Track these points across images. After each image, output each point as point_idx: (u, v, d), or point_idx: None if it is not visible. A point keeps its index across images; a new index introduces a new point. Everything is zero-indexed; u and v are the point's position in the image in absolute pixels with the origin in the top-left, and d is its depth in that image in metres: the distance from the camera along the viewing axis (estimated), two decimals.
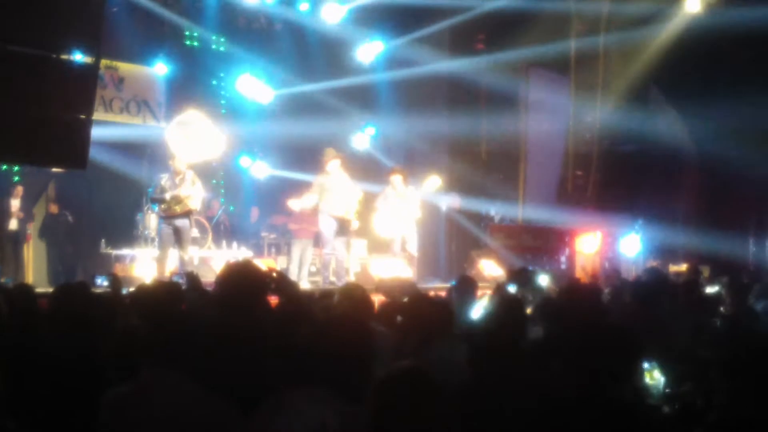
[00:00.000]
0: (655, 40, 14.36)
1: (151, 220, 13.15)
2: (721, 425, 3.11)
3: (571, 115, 15.06)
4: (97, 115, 11.96)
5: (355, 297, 5.43)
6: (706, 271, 10.98)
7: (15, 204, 13.49)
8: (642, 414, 3.37)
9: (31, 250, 14.02)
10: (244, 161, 16.43)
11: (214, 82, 16.35)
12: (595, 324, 4.45)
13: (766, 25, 13.11)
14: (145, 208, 13.23)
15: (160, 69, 15.35)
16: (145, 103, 15.52)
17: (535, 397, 3.52)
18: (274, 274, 5.05)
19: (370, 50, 16.19)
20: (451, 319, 5.20)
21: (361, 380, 3.09)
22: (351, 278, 13.51)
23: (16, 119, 9.46)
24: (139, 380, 3.36)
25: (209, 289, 6.17)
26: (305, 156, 13.61)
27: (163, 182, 11.23)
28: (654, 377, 4.05)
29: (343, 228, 12.17)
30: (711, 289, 8.30)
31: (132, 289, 6.03)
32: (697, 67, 14.40)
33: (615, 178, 15.10)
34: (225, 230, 15.28)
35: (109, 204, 14.77)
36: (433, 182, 12.59)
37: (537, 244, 16.10)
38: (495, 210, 16.85)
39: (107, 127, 13.79)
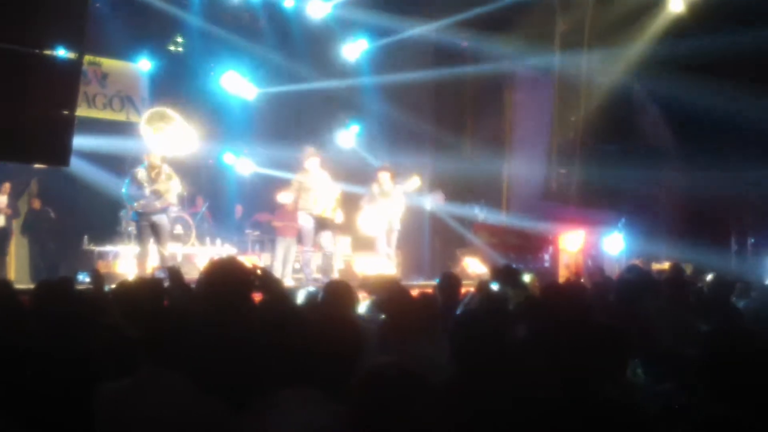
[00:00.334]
0: (639, 40, 14.40)
1: (131, 215, 13.10)
2: (703, 424, 3.12)
3: (555, 114, 15.08)
4: (80, 111, 11.89)
5: (340, 293, 5.43)
6: (688, 269, 11.02)
7: (2, 201, 13.44)
8: (625, 412, 3.38)
9: (13, 247, 13.96)
10: (228, 158, 16.38)
11: (199, 79, 16.29)
12: (578, 322, 4.47)
13: (751, 26, 13.18)
14: (129, 206, 13.16)
15: (144, 65, 15.31)
16: (128, 99, 15.48)
17: (518, 394, 3.52)
18: (258, 271, 5.04)
19: (355, 48, 16.19)
20: (435, 316, 5.21)
21: (350, 378, 3.08)
22: (335, 275, 13.54)
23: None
24: (133, 377, 3.35)
25: (192, 285, 6.16)
26: (290, 153, 13.59)
27: (139, 177, 11.10)
28: (636, 375, 4.06)
29: (323, 225, 12.14)
30: (693, 287, 8.33)
31: (114, 285, 6.00)
32: (681, 66, 14.44)
33: (598, 177, 15.12)
34: (208, 227, 15.24)
35: (91, 200, 14.70)
36: (413, 183, 12.57)
37: (521, 242, 16.13)
38: (479, 208, 16.88)
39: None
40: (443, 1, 14.46)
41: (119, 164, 14.50)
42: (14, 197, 13.75)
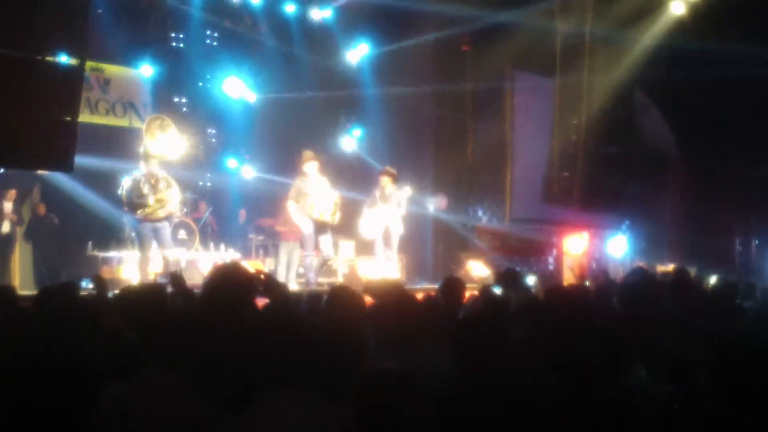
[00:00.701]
0: (640, 41, 14.41)
1: (131, 222, 13.10)
2: (705, 426, 3.12)
3: (556, 117, 15.09)
4: (82, 117, 11.92)
5: (345, 299, 5.43)
6: (692, 271, 11.01)
7: (8, 207, 13.46)
8: (626, 414, 3.38)
9: (17, 253, 13.97)
10: (231, 163, 16.40)
11: (200, 84, 16.31)
12: (581, 324, 4.46)
13: (751, 27, 13.18)
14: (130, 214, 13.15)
15: (145, 71, 15.31)
16: (131, 104, 15.48)
17: (520, 397, 3.52)
18: (262, 276, 5.05)
19: (356, 52, 16.21)
20: (437, 320, 5.21)
21: (349, 382, 3.08)
22: (339, 279, 13.55)
23: (1, 121, 9.42)
24: (136, 381, 3.36)
25: (195, 290, 6.16)
26: (292, 158, 13.58)
27: (141, 185, 11.03)
28: (639, 377, 4.06)
29: (322, 229, 12.13)
30: (698, 289, 8.32)
31: (117, 291, 6.00)
32: (682, 68, 14.44)
33: (601, 179, 15.13)
34: (212, 232, 15.25)
35: (95, 206, 14.71)
36: (405, 192, 12.52)
37: (524, 245, 16.15)
38: (482, 211, 16.89)
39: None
40: (444, 5, 14.45)
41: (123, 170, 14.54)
42: (18, 203, 13.78)
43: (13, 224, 13.58)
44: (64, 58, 10.00)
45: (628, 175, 16.15)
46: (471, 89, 16.69)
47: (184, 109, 15.54)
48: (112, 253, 13.25)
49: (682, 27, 13.80)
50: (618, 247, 16.46)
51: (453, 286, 6.90)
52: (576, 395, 3.46)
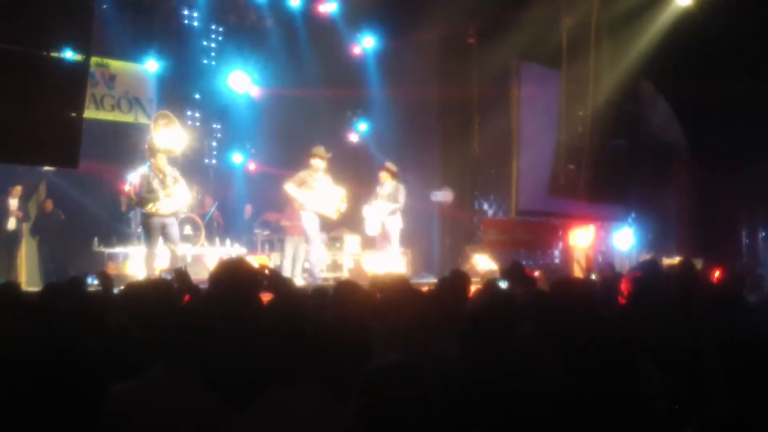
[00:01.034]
0: (647, 33, 14.34)
1: (141, 217, 13.11)
2: (715, 420, 3.10)
3: (563, 109, 15.02)
4: (88, 113, 11.95)
5: (350, 293, 5.42)
6: (699, 264, 10.98)
7: (13, 203, 13.49)
8: (634, 407, 3.36)
9: (23, 249, 14.00)
10: (236, 158, 16.40)
11: (206, 79, 16.30)
12: (587, 318, 4.45)
13: (758, 18, 13.12)
14: (132, 206, 13.18)
15: (151, 66, 15.31)
16: (136, 100, 15.49)
17: (527, 391, 3.51)
18: (267, 271, 5.04)
19: (362, 46, 16.20)
20: (443, 314, 5.20)
21: (356, 378, 3.07)
22: (344, 274, 13.55)
23: (6, 117, 9.42)
24: (142, 377, 3.35)
25: (201, 286, 6.15)
26: (298, 152, 13.58)
27: (152, 182, 11.06)
28: (647, 371, 4.04)
29: (324, 225, 12.24)
30: (704, 282, 8.29)
31: (122, 287, 6.00)
32: (689, 60, 14.38)
33: (607, 172, 15.07)
34: (218, 227, 15.26)
35: (101, 202, 14.74)
36: (386, 187, 12.54)
37: (530, 238, 16.11)
38: (488, 205, 16.87)
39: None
40: None
41: (129, 165, 14.58)
42: (24, 200, 13.80)
43: (19, 221, 13.61)
44: (69, 54, 9.99)
45: (635, 168, 16.11)
46: (477, 82, 16.65)
47: (190, 103, 15.53)
48: (117, 249, 13.28)
49: (689, 18, 13.74)
50: (624, 240, 16.42)
51: (459, 280, 6.88)
52: (583, 388, 3.44)
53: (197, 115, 15.59)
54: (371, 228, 12.70)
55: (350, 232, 14.20)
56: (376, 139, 16.94)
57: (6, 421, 3.25)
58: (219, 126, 16.49)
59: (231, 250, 13.84)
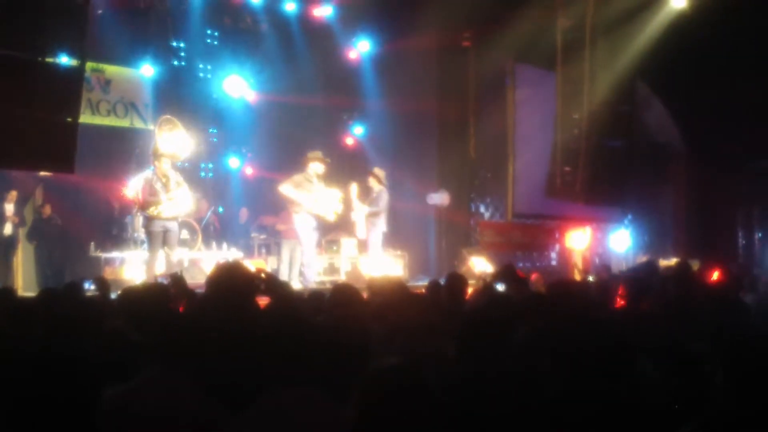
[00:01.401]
0: (641, 34, 14.37)
1: (140, 222, 13.11)
2: (713, 420, 3.10)
3: (558, 111, 15.04)
4: (84, 118, 11.93)
5: (347, 296, 5.42)
6: (696, 265, 11.00)
7: (9, 208, 13.47)
8: (632, 408, 3.36)
9: (19, 254, 13.97)
10: (233, 162, 16.39)
11: (202, 83, 16.29)
12: (584, 320, 4.45)
13: (753, 19, 13.15)
14: (134, 211, 13.19)
15: (146, 71, 15.29)
16: (132, 105, 15.46)
17: (523, 393, 3.50)
18: (263, 275, 5.03)
19: (357, 49, 16.21)
20: (441, 316, 5.19)
21: (354, 380, 3.06)
22: (341, 277, 13.56)
23: (1, 122, 9.42)
24: (136, 381, 3.34)
25: (198, 290, 6.15)
26: (294, 155, 13.59)
27: (153, 184, 11.09)
28: (644, 372, 4.04)
29: (321, 228, 12.30)
30: (700, 283, 8.30)
31: (119, 291, 5.99)
32: (684, 61, 14.41)
33: (604, 173, 15.09)
34: (214, 231, 15.24)
35: (97, 207, 14.72)
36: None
37: (527, 240, 16.13)
38: (484, 207, 16.88)
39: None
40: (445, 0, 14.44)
41: (124, 169, 14.57)
42: (20, 205, 13.78)
43: (15, 226, 13.58)
44: (64, 59, 9.99)
45: (631, 169, 16.13)
46: (472, 84, 16.66)
47: (186, 108, 15.50)
48: (114, 254, 13.26)
49: (683, 19, 13.77)
50: (621, 242, 16.44)
51: (456, 282, 6.89)
52: (581, 390, 3.44)
53: (193, 119, 15.55)
54: (360, 231, 12.82)
55: (347, 235, 14.20)
56: (372, 143, 16.94)
57: (1, 425, 3.24)
58: (215, 130, 16.47)
59: (228, 254, 13.83)
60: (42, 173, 13.51)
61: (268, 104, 16.17)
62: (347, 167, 15.29)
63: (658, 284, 7.33)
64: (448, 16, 14.97)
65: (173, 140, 12.16)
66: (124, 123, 15.36)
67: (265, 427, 3.07)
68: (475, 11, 14.61)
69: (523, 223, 16.37)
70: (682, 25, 13.78)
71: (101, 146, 14.50)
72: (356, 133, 17.21)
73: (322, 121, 16.51)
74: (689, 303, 6.68)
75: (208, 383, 3.33)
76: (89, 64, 12.47)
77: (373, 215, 12.55)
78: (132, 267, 12.56)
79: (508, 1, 14.27)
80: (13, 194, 13.55)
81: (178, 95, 15.65)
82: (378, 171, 12.84)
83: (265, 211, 15.47)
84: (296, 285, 11.89)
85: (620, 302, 6.82)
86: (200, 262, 13.46)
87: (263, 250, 15.00)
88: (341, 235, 14.24)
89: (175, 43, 15.92)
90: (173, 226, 11.29)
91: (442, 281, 6.99)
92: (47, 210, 14.25)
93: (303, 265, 12.36)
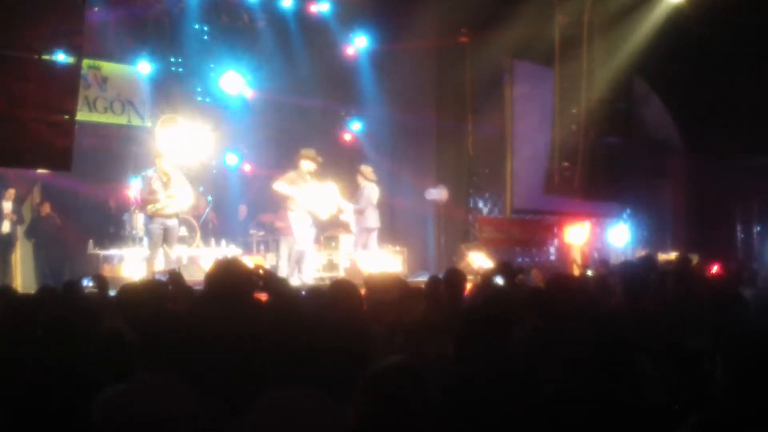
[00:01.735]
0: (639, 31, 14.37)
1: (138, 219, 13.11)
2: (713, 417, 3.09)
3: (556, 107, 15.04)
4: (81, 116, 11.91)
5: (346, 293, 5.40)
6: (695, 259, 11.00)
7: (7, 206, 13.46)
8: (631, 405, 3.36)
9: (18, 253, 13.96)
10: (230, 159, 16.37)
11: (199, 80, 16.25)
12: (584, 316, 4.44)
13: (750, 14, 13.14)
14: (132, 209, 13.20)
15: (143, 68, 15.26)
16: (129, 102, 15.43)
17: (522, 393, 3.49)
18: (262, 272, 5.03)
19: (355, 45, 16.19)
20: (440, 313, 5.18)
21: (353, 379, 3.05)
22: (340, 273, 13.55)
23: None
24: (131, 382, 3.33)
25: (196, 287, 6.13)
26: (292, 152, 13.59)
27: (153, 182, 11.13)
28: (643, 369, 4.03)
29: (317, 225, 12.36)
30: (700, 278, 8.30)
31: (117, 289, 5.98)
32: (682, 57, 14.41)
33: (602, 169, 15.09)
34: (213, 228, 15.23)
35: (95, 204, 14.71)
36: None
37: (525, 236, 16.13)
38: (483, 202, 16.87)
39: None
40: None
41: (122, 167, 14.57)
42: (18, 203, 13.77)
43: (13, 224, 13.58)
44: (60, 57, 9.96)
45: (629, 165, 16.13)
46: (470, 80, 16.64)
47: (183, 105, 15.46)
48: (113, 251, 13.25)
49: (681, 15, 13.77)
50: (620, 237, 16.44)
51: (455, 278, 6.88)
52: (580, 386, 3.43)
53: (190, 116, 15.51)
54: (353, 228, 12.97)
55: (345, 231, 14.20)
56: (370, 139, 16.93)
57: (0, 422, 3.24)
58: (213, 127, 16.43)
59: (226, 251, 13.82)
60: (40, 171, 13.49)
61: (265, 101, 16.14)
62: (345, 163, 15.27)
63: (657, 279, 7.33)
64: (445, 12, 14.96)
65: (174, 138, 12.17)
66: (121, 120, 15.33)
67: (264, 428, 3.06)
68: (473, 7, 14.61)
69: (522, 219, 16.37)
70: (679, 21, 13.78)
71: (99, 144, 14.47)
72: (354, 129, 17.19)
73: (319, 117, 16.50)
74: (688, 299, 6.68)
75: (206, 383, 3.31)
76: (86, 62, 12.44)
77: (357, 212, 12.65)
78: (130, 264, 12.56)
79: None
80: (11, 192, 13.55)
81: (175, 93, 15.62)
82: (364, 168, 12.97)
83: (263, 209, 15.46)
84: (295, 282, 11.89)
85: (619, 298, 6.82)
86: (199, 259, 13.45)
87: (262, 247, 14.99)
88: (340, 232, 14.25)
89: (171, 41, 15.87)
90: (173, 223, 11.35)
91: (441, 277, 6.98)
92: (45, 208, 14.24)
93: (301, 262, 12.38)
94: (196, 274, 11.32)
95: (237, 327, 3.84)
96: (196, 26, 15.62)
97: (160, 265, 11.43)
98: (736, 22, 13.36)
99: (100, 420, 3.20)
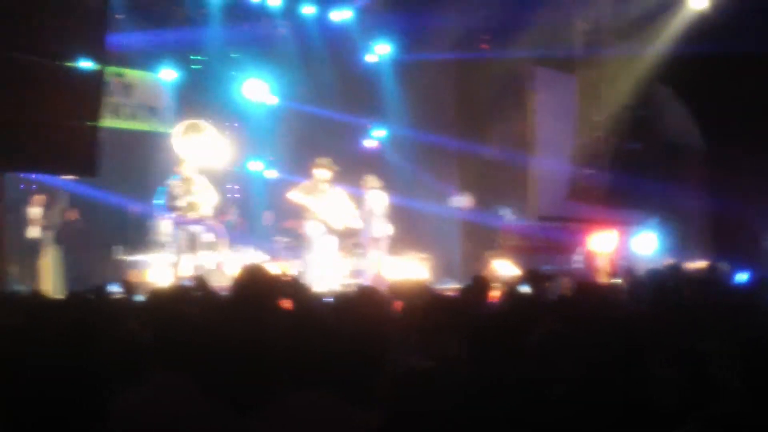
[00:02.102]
0: (661, 37, 14.30)
1: (163, 225, 13.18)
2: (727, 424, 3.06)
3: (579, 114, 15.00)
4: (105, 122, 11.99)
5: (371, 300, 5.39)
6: (723, 267, 10.91)
7: (35, 212, 13.57)
8: (648, 411, 3.34)
9: (46, 258, 14.06)
10: (254, 165, 16.43)
11: (222, 87, 16.34)
12: (604, 322, 4.42)
13: None
14: (157, 215, 13.28)
15: (167, 75, 15.36)
16: (153, 109, 15.53)
17: (545, 395, 3.48)
18: (286, 278, 5.04)
19: (376, 53, 16.22)
20: (464, 320, 5.16)
21: (375, 384, 3.05)
22: (365, 281, 13.53)
23: (26, 127, 9.50)
24: (148, 386, 3.33)
25: (221, 293, 6.14)
26: (316, 158, 13.62)
27: (175, 189, 11.23)
28: (663, 375, 4.00)
29: (331, 233, 12.33)
30: (726, 285, 8.23)
31: (144, 294, 6.01)
32: (705, 62, 14.32)
33: (625, 176, 15.02)
34: (239, 234, 15.28)
35: (122, 210, 14.81)
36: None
37: (550, 244, 16.04)
38: (506, 210, 16.80)
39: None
40: (464, 1, 14.42)
41: (146, 174, 14.65)
42: (46, 209, 13.88)
43: (42, 230, 13.68)
44: (85, 64, 10.06)
45: (653, 171, 16.03)
46: (492, 87, 16.61)
47: (206, 112, 15.55)
48: (138, 257, 13.33)
49: (703, 19, 13.69)
50: (646, 245, 16.31)
51: (480, 285, 6.87)
52: (599, 392, 3.42)
53: (213, 123, 15.60)
54: None
55: (356, 239, 14.22)
56: (393, 146, 16.93)
57: (17, 426, 3.26)
58: (236, 134, 16.50)
59: (252, 257, 13.86)
60: (66, 177, 13.59)
61: (288, 108, 16.20)
62: (367, 170, 15.27)
63: (684, 287, 7.28)
64: (466, 19, 14.95)
65: (197, 144, 12.26)
66: (145, 127, 15.45)
67: (280, 430, 3.06)
68: (494, 15, 14.60)
69: (546, 227, 16.30)
70: (702, 26, 13.70)
71: (123, 150, 14.56)
72: (377, 136, 17.20)
73: (342, 124, 16.52)
74: (715, 306, 6.63)
75: (224, 387, 3.32)
76: (110, 69, 12.54)
77: (363, 219, 12.73)
78: (156, 270, 12.64)
79: (527, 3, 14.23)
80: (40, 198, 13.67)
81: (199, 99, 15.72)
82: (367, 177, 12.97)
83: (289, 215, 15.49)
84: (320, 288, 11.91)
85: (644, 304, 6.77)
86: (225, 266, 13.49)
87: (287, 254, 15.01)
88: (353, 240, 14.27)
89: (194, 48, 15.97)
90: (198, 229, 11.41)
91: (468, 284, 6.97)
92: (72, 214, 14.34)
93: (320, 270, 12.41)
94: (222, 280, 11.36)
95: (258, 332, 3.85)
96: (219, 33, 15.70)
97: (186, 271, 11.49)
98: (760, 27, 13.25)
99: (119, 423, 3.21)
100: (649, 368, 3.71)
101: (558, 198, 15.31)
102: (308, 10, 15.57)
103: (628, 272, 11.79)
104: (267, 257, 14.05)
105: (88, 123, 10.15)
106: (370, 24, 16.05)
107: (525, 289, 7.01)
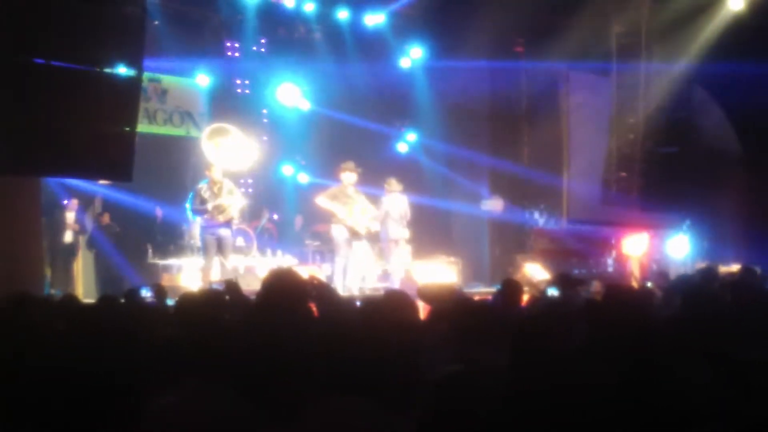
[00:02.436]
0: (698, 39, 14.16)
1: (196, 229, 13.29)
2: (759, 427, 3.04)
3: (613, 116, 14.89)
4: (141, 127, 12.16)
5: (399, 304, 5.40)
6: (758, 270, 10.78)
7: (70, 217, 13.75)
8: (685, 417, 3.31)
9: (80, 262, 14.24)
10: (286, 170, 16.51)
11: (256, 92, 16.45)
12: (639, 326, 4.39)
13: None
14: (189, 219, 13.40)
15: (202, 80, 15.50)
16: (188, 114, 15.68)
17: (577, 399, 3.47)
18: (316, 282, 5.06)
19: (410, 57, 16.24)
20: (495, 323, 5.16)
21: (406, 389, 3.06)
22: (395, 284, 13.55)
23: (62, 133, 9.64)
24: (181, 391, 3.36)
25: (252, 297, 6.18)
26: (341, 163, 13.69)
27: (202, 193, 11.35)
28: (699, 380, 3.97)
29: (357, 236, 12.37)
30: (761, 289, 8.12)
31: (176, 298, 6.07)
32: (742, 65, 14.16)
33: (660, 180, 14.89)
34: (270, 238, 15.37)
35: (155, 214, 14.94)
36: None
37: (582, 247, 15.95)
38: (538, 213, 16.74)
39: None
40: (498, 5, 14.38)
41: (181, 177, 14.79)
42: (80, 213, 14.06)
43: (76, 234, 13.87)
44: (122, 70, 10.18)
45: (688, 175, 15.88)
46: (526, 90, 16.57)
47: (240, 116, 15.67)
48: (171, 261, 13.45)
49: (740, 22, 13.54)
50: (679, 248, 16.16)
51: (511, 289, 6.85)
52: (634, 397, 3.40)
53: (247, 127, 15.71)
54: None
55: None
56: (425, 149, 16.94)
57: (55, 429, 3.30)
58: (269, 138, 16.60)
59: (282, 261, 13.93)
60: (101, 182, 13.76)
61: (321, 112, 16.27)
62: (399, 174, 15.30)
63: (718, 291, 7.20)
64: (501, 22, 14.91)
65: (225, 148, 12.35)
66: (180, 132, 15.60)
67: None
68: (528, 17, 14.54)
69: (578, 230, 16.21)
70: (739, 29, 13.56)
71: (158, 155, 14.71)
72: (409, 140, 17.21)
73: (374, 128, 16.56)
74: (752, 311, 6.55)
75: (255, 392, 3.33)
76: (146, 75, 12.68)
77: (380, 222, 12.75)
78: (189, 274, 12.74)
79: (562, 6, 14.16)
80: (74, 202, 13.86)
81: (233, 104, 15.85)
82: (391, 180, 12.98)
83: (319, 219, 15.56)
84: (350, 292, 11.94)
85: (677, 310, 6.71)
86: (255, 270, 13.58)
87: (317, 258, 15.07)
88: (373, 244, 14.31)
89: (229, 53, 16.10)
90: (227, 233, 11.51)
91: (498, 287, 6.95)
92: (106, 218, 14.51)
93: (347, 274, 12.45)
94: (252, 284, 11.43)
95: (288, 337, 3.87)
96: (254, 39, 15.82)
97: (216, 275, 11.58)
98: None
99: (153, 427, 3.24)
100: (682, 373, 3.68)
101: (590, 201, 15.21)
102: (342, 15, 15.64)
103: (661, 275, 11.70)
104: (296, 261, 14.11)
105: (125, 129, 10.27)
106: (404, 29, 16.08)
107: (554, 292, 6.99)
